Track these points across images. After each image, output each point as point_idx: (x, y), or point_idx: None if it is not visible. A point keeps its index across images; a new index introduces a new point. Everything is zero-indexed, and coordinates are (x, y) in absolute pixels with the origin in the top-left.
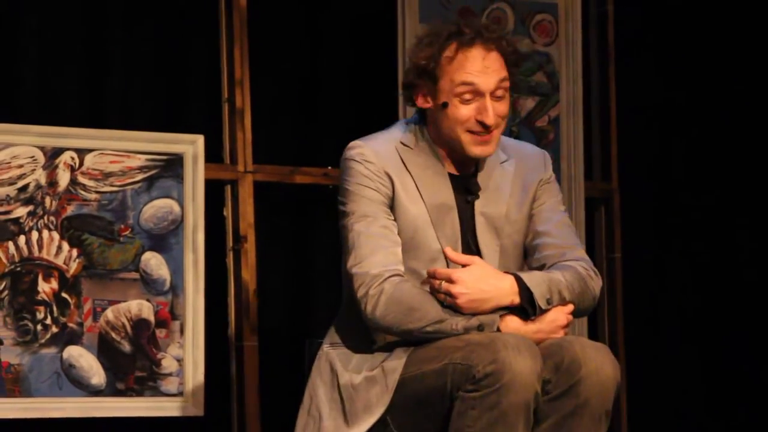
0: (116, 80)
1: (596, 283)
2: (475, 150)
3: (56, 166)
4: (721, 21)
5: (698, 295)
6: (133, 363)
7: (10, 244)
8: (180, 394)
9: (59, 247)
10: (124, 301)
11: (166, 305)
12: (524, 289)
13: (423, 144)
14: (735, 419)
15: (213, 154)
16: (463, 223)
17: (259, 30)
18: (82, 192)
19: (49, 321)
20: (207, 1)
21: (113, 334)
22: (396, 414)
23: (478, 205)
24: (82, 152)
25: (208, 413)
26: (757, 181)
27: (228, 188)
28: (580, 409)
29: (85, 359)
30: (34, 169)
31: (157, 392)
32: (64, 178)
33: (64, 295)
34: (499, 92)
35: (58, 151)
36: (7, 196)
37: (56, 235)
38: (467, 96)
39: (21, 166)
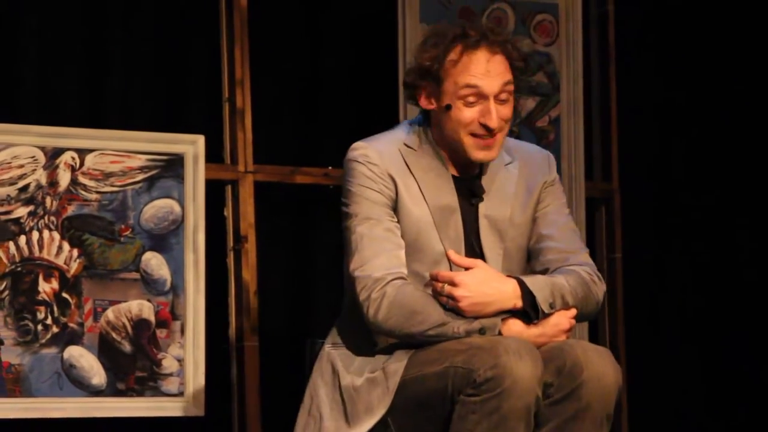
0: (116, 80)
1: (600, 289)
2: (478, 154)
3: (57, 166)
4: (721, 21)
5: (698, 295)
6: (133, 363)
7: (11, 244)
8: (180, 394)
9: (60, 247)
10: (125, 301)
11: (166, 305)
12: (527, 293)
13: (426, 146)
14: (735, 419)
15: (213, 154)
16: (466, 226)
17: (260, 30)
18: (83, 192)
19: (49, 321)
20: (207, 1)
21: (114, 334)
22: (397, 415)
23: (482, 207)
24: (82, 152)
25: (208, 413)
26: (757, 181)
27: (228, 188)
28: (581, 413)
29: (85, 359)
30: (35, 169)
31: (158, 392)
32: (64, 178)
33: (64, 295)
34: (504, 95)
35: (58, 151)
36: (8, 196)
37: (57, 235)
38: (471, 99)
39: (21, 166)
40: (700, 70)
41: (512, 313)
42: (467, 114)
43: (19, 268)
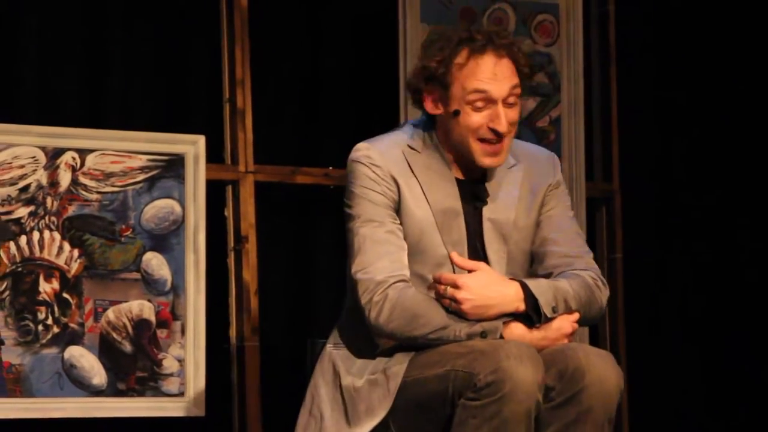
0: (116, 80)
1: (603, 294)
2: (486, 161)
3: (57, 167)
4: (721, 21)
5: (699, 295)
6: (134, 363)
7: (12, 244)
8: (181, 394)
9: (60, 248)
10: (125, 302)
11: (167, 305)
12: (530, 297)
13: (430, 147)
14: (735, 419)
15: (214, 155)
16: (470, 229)
17: (261, 30)
18: (84, 192)
19: (50, 321)
20: (208, 1)
21: (114, 335)
22: (397, 417)
23: (486, 211)
24: (83, 152)
25: (209, 413)
26: (758, 181)
27: (229, 188)
28: (583, 416)
29: (86, 359)
30: (36, 170)
31: (158, 392)
32: (65, 179)
33: (65, 295)
34: (511, 99)
35: (59, 152)
36: (9, 196)
37: (57, 236)
38: (479, 104)
39: (22, 166)
40: (701, 71)
41: (515, 316)
42: (476, 119)
43: (19, 269)
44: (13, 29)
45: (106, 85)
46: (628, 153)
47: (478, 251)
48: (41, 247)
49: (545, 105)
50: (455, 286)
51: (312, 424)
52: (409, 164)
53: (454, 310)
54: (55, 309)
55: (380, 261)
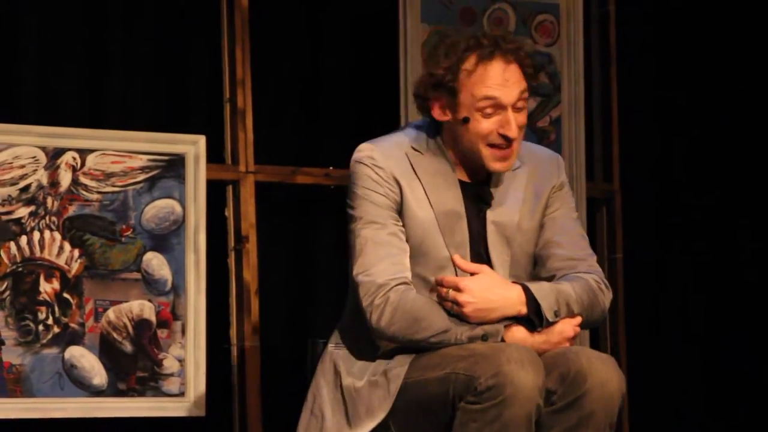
0: (116, 80)
1: (606, 297)
2: (497, 165)
3: (58, 167)
4: (721, 21)
5: (699, 295)
6: (134, 363)
7: (12, 244)
8: (181, 394)
9: (61, 248)
10: (126, 302)
11: (167, 305)
12: (532, 300)
13: (434, 149)
14: (735, 419)
15: (214, 155)
16: (473, 232)
17: (261, 30)
18: (84, 192)
19: (50, 321)
20: (208, 1)
21: (115, 335)
22: (397, 418)
23: (490, 214)
24: (83, 152)
25: (209, 413)
26: (758, 181)
27: (229, 188)
28: (584, 421)
29: (86, 359)
30: (36, 170)
31: (159, 392)
32: (65, 179)
33: (65, 295)
34: (520, 104)
35: (59, 152)
36: (9, 196)
37: (58, 236)
38: (489, 110)
39: (23, 166)
40: (701, 71)
41: (516, 319)
42: (485, 125)
43: (20, 269)
44: (13, 29)
45: (107, 85)
46: (629, 153)
47: (481, 254)
48: (42, 247)
49: (545, 105)
50: (457, 289)
51: (313, 423)
52: (412, 166)
53: (455, 313)
54: (56, 309)
55: (381, 263)
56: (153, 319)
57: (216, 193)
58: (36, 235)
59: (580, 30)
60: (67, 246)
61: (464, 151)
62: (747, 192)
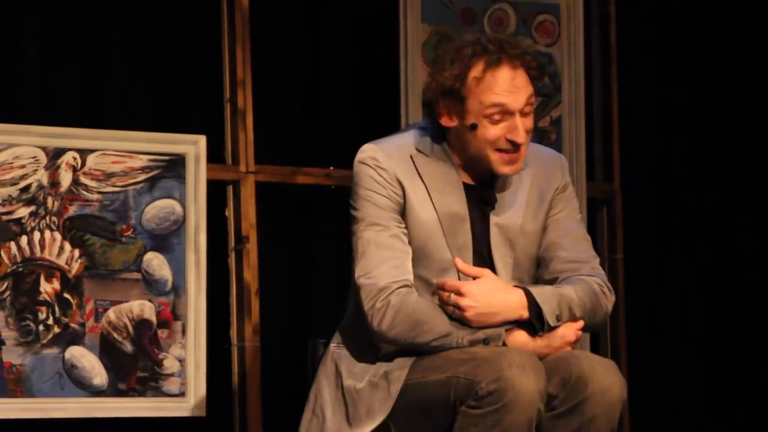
0: (116, 80)
1: (609, 300)
2: (505, 169)
3: (58, 167)
4: (722, 21)
5: (699, 295)
6: (134, 363)
7: (12, 244)
8: (182, 394)
9: (61, 248)
10: (126, 302)
11: (167, 305)
12: (533, 305)
13: (439, 151)
14: (735, 419)
15: (215, 155)
16: (476, 234)
17: (261, 30)
18: (84, 192)
19: (51, 321)
20: (208, 1)
21: (115, 335)
22: (398, 419)
23: (493, 216)
24: (84, 152)
25: (209, 413)
26: (758, 181)
27: (230, 188)
28: (586, 426)
29: (87, 359)
30: (36, 170)
31: (159, 393)
32: (66, 179)
33: (66, 295)
34: (527, 108)
35: (60, 152)
36: (9, 196)
37: (58, 236)
38: (497, 117)
39: (23, 166)
40: (701, 71)
41: (518, 323)
42: (493, 132)
43: (20, 269)
44: (13, 29)
45: (107, 85)
46: (629, 153)
47: (484, 257)
48: (42, 247)
49: (546, 105)
50: (459, 293)
51: (314, 423)
52: (416, 167)
53: (457, 317)
54: (56, 309)
55: (383, 266)
56: (153, 319)
57: (216, 193)
58: (36, 235)
59: (581, 30)
60: (67, 246)
61: (471, 156)
62: (747, 192)
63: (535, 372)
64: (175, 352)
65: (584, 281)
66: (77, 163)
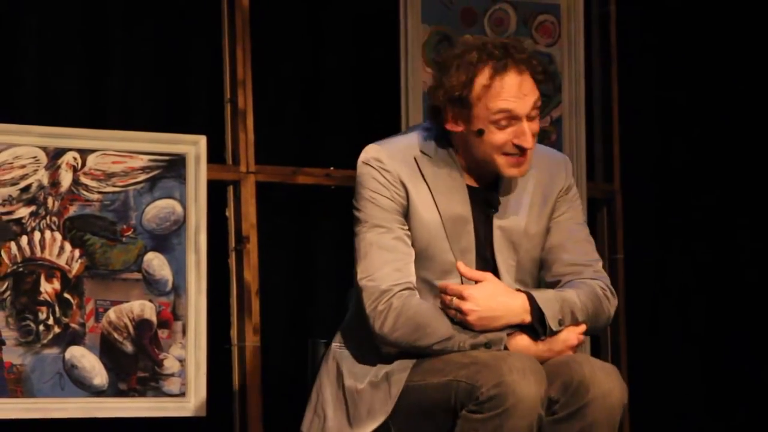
0: (117, 80)
1: (612, 304)
2: (512, 172)
3: (59, 167)
4: (722, 21)
5: (700, 295)
6: (135, 363)
7: (13, 244)
8: (182, 394)
9: (61, 248)
10: (127, 302)
11: (168, 306)
12: (536, 309)
13: (443, 154)
14: (735, 419)
15: (215, 155)
16: (479, 237)
17: (262, 30)
18: (85, 192)
19: (51, 321)
20: (209, 1)
21: (115, 335)
22: (398, 420)
23: (497, 219)
24: (84, 153)
25: (210, 414)
26: (758, 181)
27: (230, 189)
28: (586, 430)
29: (87, 360)
30: (37, 170)
31: (160, 393)
32: (66, 179)
33: (66, 295)
34: (533, 113)
35: (60, 152)
36: (10, 196)
37: (58, 236)
38: (503, 122)
39: (23, 166)
40: (702, 71)
41: (520, 327)
42: (500, 137)
43: (20, 269)
44: (13, 29)
45: (107, 85)
46: (629, 153)
47: (487, 259)
48: (42, 248)
49: (546, 105)
50: (461, 297)
51: (316, 422)
52: (420, 169)
53: (459, 320)
54: (56, 309)
55: (385, 268)
56: (154, 319)
57: (217, 193)
58: (37, 235)
59: (581, 30)
60: (67, 246)
61: (477, 159)
62: (747, 192)
63: (536, 377)
64: (175, 353)
65: (587, 285)
66: (77, 163)
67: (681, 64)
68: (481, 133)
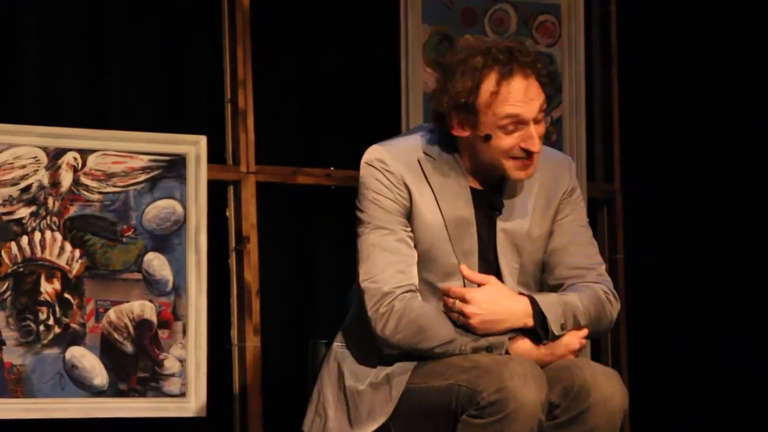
0: (117, 80)
1: (614, 308)
2: (520, 174)
3: (59, 167)
4: (722, 21)
5: (700, 295)
6: (135, 364)
7: (13, 244)
8: (182, 394)
9: (62, 248)
10: (127, 302)
11: (168, 306)
12: (538, 313)
13: (447, 156)
14: (735, 419)
15: (216, 155)
16: (482, 239)
17: (262, 30)
18: (85, 192)
19: (51, 322)
20: (209, 1)
21: (116, 335)
22: (398, 422)
23: (500, 221)
24: (85, 153)
25: (210, 414)
26: (758, 181)
27: (230, 189)
28: None
29: (87, 360)
30: (37, 170)
31: (160, 393)
32: (66, 179)
33: (66, 295)
34: (540, 116)
35: (60, 152)
36: (10, 196)
37: (59, 236)
38: (511, 127)
39: (24, 166)
40: (702, 71)
41: (523, 331)
42: (508, 141)
43: (21, 269)
44: (13, 29)
45: (107, 85)
46: (629, 153)
47: (490, 262)
48: (43, 248)
49: (547, 105)
50: (464, 300)
51: (317, 421)
52: (423, 171)
53: (462, 324)
54: (57, 309)
55: (388, 270)
56: (154, 319)
57: (217, 193)
58: (37, 235)
59: (581, 30)
60: (68, 246)
61: (484, 163)
62: (747, 192)
63: (537, 382)
64: (175, 353)
65: (590, 288)
66: (78, 164)
67: (681, 64)
68: (488, 138)
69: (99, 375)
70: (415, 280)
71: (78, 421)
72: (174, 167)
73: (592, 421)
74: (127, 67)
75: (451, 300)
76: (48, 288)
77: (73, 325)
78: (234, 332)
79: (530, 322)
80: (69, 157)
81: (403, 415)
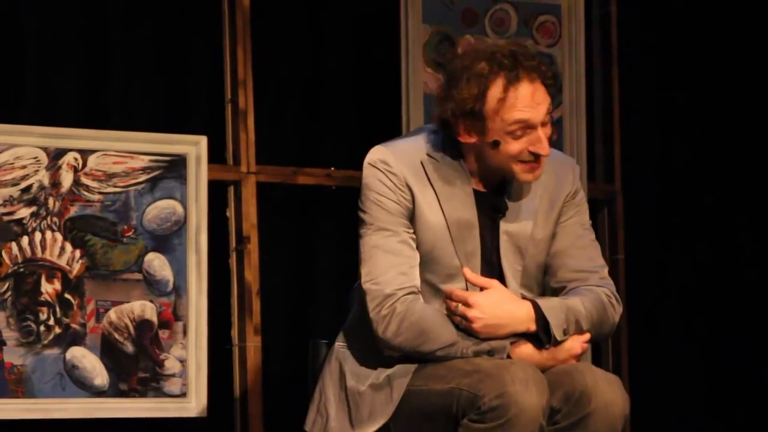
0: (117, 81)
1: (617, 311)
2: (528, 177)
3: (59, 167)
4: (723, 21)
5: (700, 295)
6: (136, 364)
7: (13, 245)
8: (183, 395)
9: (62, 248)
10: (127, 302)
11: (169, 306)
12: (541, 317)
13: (450, 158)
14: (735, 419)
15: (216, 155)
16: (485, 242)
17: (262, 30)
18: (86, 193)
19: (52, 322)
20: (209, 1)
21: (116, 335)
22: (399, 423)
23: (503, 224)
24: (85, 153)
25: (210, 414)
26: (758, 181)
27: (231, 189)
28: None
29: (88, 360)
30: (37, 170)
31: (160, 393)
32: (67, 179)
33: (67, 296)
34: (546, 119)
35: (61, 152)
36: (10, 196)
37: (59, 236)
38: (519, 132)
39: (24, 167)
40: (702, 71)
41: (525, 335)
42: (516, 146)
43: (21, 269)
44: (13, 29)
45: (107, 85)
46: (630, 153)
47: (493, 264)
48: (43, 248)
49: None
50: (466, 304)
51: (319, 421)
52: (426, 173)
53: (464, 327)
54: (57, 310)
55: (390, 272)
56: (154, 319)
57: (217, 193)
58: (37, 235)
59: (582, 31)
60: (68, 246)
61: (491, 167)
62: (747, 192)
63: (538, 388)
64: (176, 353)
65: (593, 292)
66: (78, 164)
67: (681, 64)
68: (496, 144)
69: (99, 375)
70: (417, 282)
71: (78, 421)
72: (174, 167)
73: (592, 427)
74: (127, 67)
75: (454, 303)
76: (48, 288)
77: (73, 326)
78: (234, 332)
79: (533, 327)
80: (69, 158)
81: (403, 417)
